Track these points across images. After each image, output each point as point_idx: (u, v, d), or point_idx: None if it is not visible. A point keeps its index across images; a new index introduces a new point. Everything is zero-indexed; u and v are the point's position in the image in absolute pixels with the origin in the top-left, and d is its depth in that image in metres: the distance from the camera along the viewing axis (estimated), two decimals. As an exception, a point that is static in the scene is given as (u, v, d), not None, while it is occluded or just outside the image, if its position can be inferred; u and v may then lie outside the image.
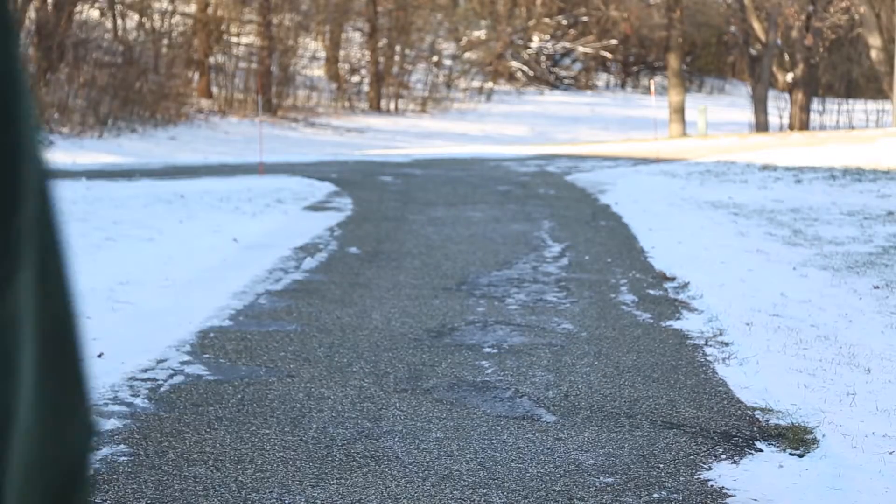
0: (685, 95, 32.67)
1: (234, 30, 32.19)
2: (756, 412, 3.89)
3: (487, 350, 4.84)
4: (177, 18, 30.70)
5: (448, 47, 36.35)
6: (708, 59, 44.03)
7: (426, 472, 3.25)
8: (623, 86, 43.09)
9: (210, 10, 30.76)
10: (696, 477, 3.24)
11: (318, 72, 33.24)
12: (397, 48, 32.91)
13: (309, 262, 7.26)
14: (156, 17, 30.06)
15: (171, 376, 4.41)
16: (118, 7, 29.65)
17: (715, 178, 14.83)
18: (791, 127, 31.81)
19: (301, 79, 31.57)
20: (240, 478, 3.24)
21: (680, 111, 31.16)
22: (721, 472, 3.27)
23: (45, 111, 22.41)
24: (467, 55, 36.20)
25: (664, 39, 35.51)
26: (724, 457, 3.42)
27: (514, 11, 38.92)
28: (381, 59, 32.27)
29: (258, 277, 6.67)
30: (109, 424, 3.72)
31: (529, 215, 10.49)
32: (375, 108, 31.51)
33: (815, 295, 6.13)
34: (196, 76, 30.35)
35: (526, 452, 3.45)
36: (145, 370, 4.49)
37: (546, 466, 3.31)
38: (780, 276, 6.75)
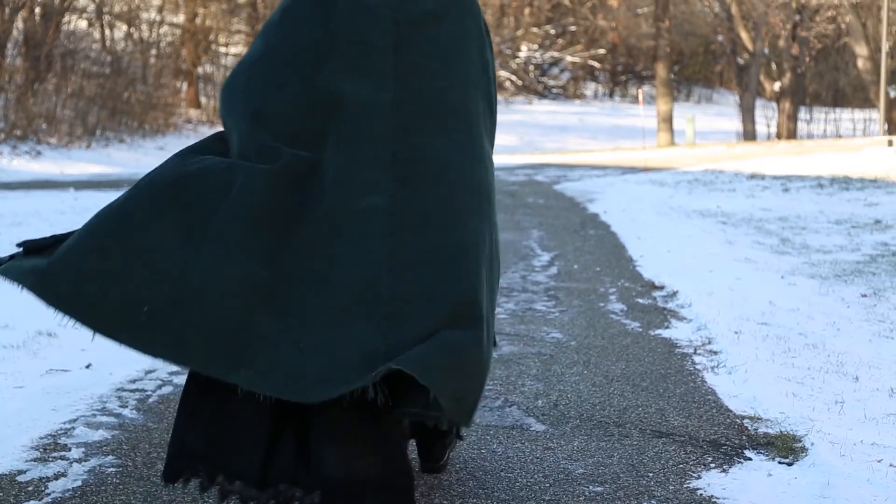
0: (673, 104, 32.75)
1: (222, 40, 32.18)
2: (745, 421, 3.90)
3: (477, 359, 4.83)
4: (165, 29, 30.67)
5: (436, 57, 36.34)
6: (696, 68, 44.18)
7: (415, 481, 3.24)
8: (611, 95, 43.20)
9: (198, 21, 30.74)
10: (685, 486, 3.24)
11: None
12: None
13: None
14: (144, 27, 30.02)
15: (159, 387, 4.39)
16: (106, 17, 29.61)
17: (703, 186, 14.87)
18: (779, 136, 31.92)
19: (290, 89, 31.57)
20: (229, 489, 3.23)
21: (668, 120, 31.25)
22: (710, 481, 3.28)
23: (32, 121, 22.36)
24: (456, 65, 36.21)
25: (652, 49, 35.62)
26: (713, 465, 3.43)
27: (502, 21, 39.01)
28: (370, 69, 32.26)
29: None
30: (97, 436, 3.71)
31: (518, 224, 10.50)
32: (365, 117, 31.48)
33: (804, 303, 6.15)
34: (184, 86, 30.32)
35: (515, 462, 3.45)
36: (134, 381, 4.48)
37: (535, 476, 3.31)
38: (768, 285, 6.77)
